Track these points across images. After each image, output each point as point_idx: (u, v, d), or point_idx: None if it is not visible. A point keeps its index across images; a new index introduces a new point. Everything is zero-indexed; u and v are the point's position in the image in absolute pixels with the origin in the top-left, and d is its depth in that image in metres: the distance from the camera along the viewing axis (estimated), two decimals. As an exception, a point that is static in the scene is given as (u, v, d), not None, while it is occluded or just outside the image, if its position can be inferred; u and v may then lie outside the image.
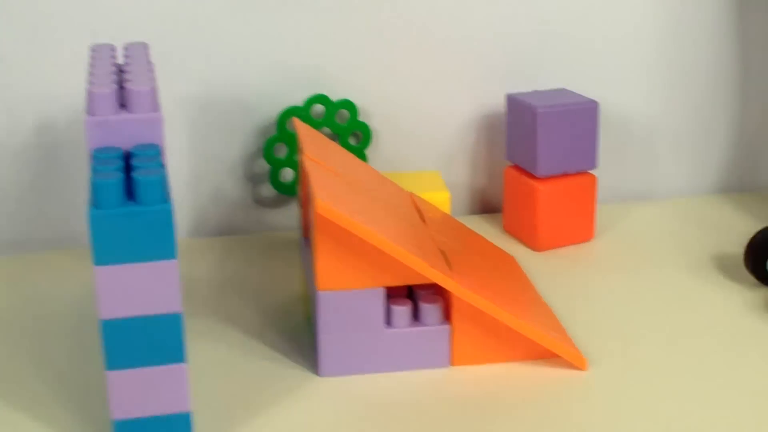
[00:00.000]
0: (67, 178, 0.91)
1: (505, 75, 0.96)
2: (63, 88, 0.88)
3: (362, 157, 0.92)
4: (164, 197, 0.57)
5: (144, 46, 0.72)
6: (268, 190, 0.95)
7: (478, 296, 0.70)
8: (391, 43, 0.93)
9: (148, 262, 0.57)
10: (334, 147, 0.81)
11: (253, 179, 0.94)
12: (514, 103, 0.91)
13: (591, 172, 0.91)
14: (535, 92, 0.92)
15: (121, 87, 0.63)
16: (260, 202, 0.95)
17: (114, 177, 0.56)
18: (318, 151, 0.76)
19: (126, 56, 0.70)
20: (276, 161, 0.92)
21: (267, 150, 0.91)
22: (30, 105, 0.88)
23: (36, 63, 0.87)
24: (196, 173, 0.92)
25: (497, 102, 0.96)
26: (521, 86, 0.96)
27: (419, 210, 0.80)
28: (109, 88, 0.60)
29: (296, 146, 0.91)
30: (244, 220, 0.95)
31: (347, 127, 0.92)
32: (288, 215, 0.96)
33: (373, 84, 0.94)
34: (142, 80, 0.62)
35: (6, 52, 0.87)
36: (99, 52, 0.70)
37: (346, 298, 0.69)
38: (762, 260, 0.81)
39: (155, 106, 0.61)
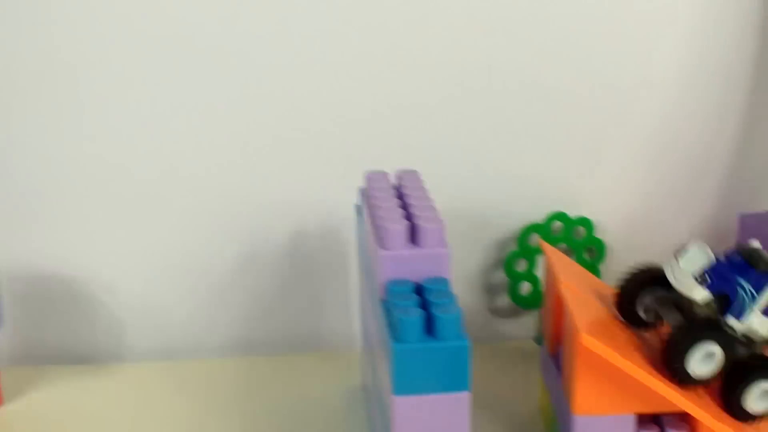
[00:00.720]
0: (318, 284, 0.96)
1: (735, 192, 0.99)
2: (316, 199, 0.93)
3: (596, 272, 0.95)
4: (461, 333, 0.61)
5: (416, 174, 0.77)
6: (503, 301, 0.99)
7: (725, 426, 0.72)
8: (624, 159, 0.96)
9: (443, 393, 0.61)
10: (578, 269, 0.85)
11: (489, 290, 0.98)
12: (747, 222, 0.93)
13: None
14: (768, 213, 0.94)
15: (406, 218, 0.68)
16: (495, 312, 0.99)
17: (415, 314, 0.61)
18: (568, 275, 0.79)
19: (401, 185, 0.75)
20: (516, 275, 0.96)
21: (508, 264, 0.95)
22: (285, 214, 0.93)
23: (289, 174, 0.93)
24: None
25: (726, 217, 0.98)
26: (751, 204, 0.98)
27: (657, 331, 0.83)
28: (401, 225, 0.65)
29: (535, 261, 0.95)
30: (478, 328, 0.99)
31: (583, 243, 0.96)
32: (521, 325, 0.99)
33: (607, 199, 0.97)
34: (430, 217, 0.67)
35: (260, 165, 0.93)
36: (376, 181, 0.75)
37: (600, 423, 0.72)
38: (632, 304, 0.78)
39: (443, 242, 0.66)
